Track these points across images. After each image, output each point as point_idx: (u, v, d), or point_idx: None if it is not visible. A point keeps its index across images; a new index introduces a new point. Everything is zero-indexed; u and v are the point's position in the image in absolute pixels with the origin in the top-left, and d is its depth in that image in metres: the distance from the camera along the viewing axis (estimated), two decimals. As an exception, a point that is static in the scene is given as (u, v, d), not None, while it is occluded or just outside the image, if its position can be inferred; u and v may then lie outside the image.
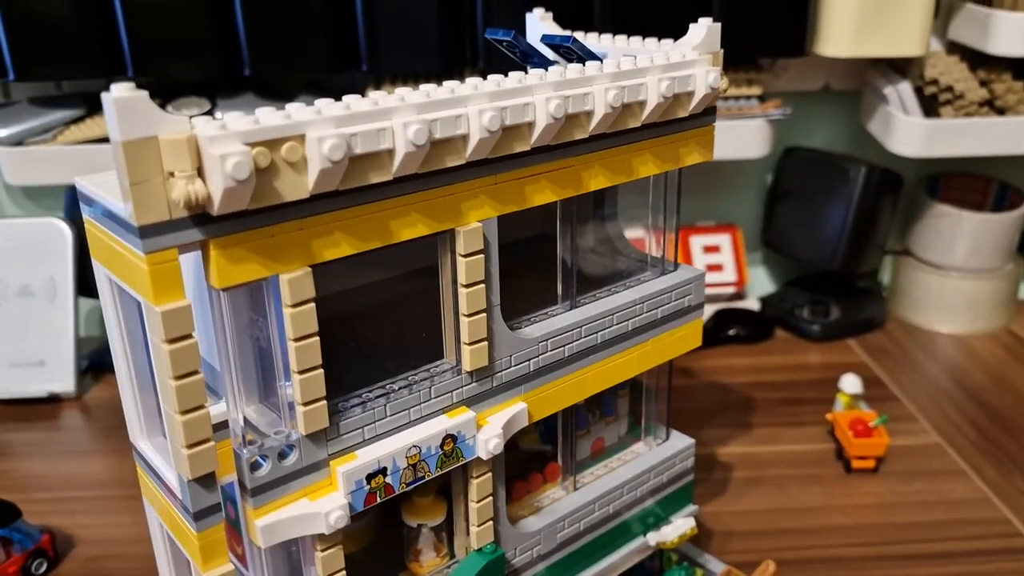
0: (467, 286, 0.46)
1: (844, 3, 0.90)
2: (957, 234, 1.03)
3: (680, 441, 0.64)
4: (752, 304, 1.08)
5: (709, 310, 1.05)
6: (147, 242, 0.36)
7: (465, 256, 0.46)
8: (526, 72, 0.46)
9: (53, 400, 0.94)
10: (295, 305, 0.40)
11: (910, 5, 0.88)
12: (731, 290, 1.08)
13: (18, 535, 0.68)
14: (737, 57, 0.94)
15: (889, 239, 1.09)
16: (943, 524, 0.72)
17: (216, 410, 0.42)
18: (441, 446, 0.47)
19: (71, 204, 0.98)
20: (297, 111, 0.38)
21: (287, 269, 0.40)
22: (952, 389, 0.93)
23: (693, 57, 0.53)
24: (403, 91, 0.42)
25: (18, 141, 0.92)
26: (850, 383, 0.83)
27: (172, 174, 0.35)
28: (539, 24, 0.63)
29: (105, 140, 0.91)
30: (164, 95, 0.94)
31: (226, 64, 0.89)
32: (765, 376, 0.96)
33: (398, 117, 0.40)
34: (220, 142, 0.35)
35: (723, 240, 1.09)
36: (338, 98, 0.40)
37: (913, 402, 0.90)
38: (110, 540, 0.72)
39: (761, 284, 1.16)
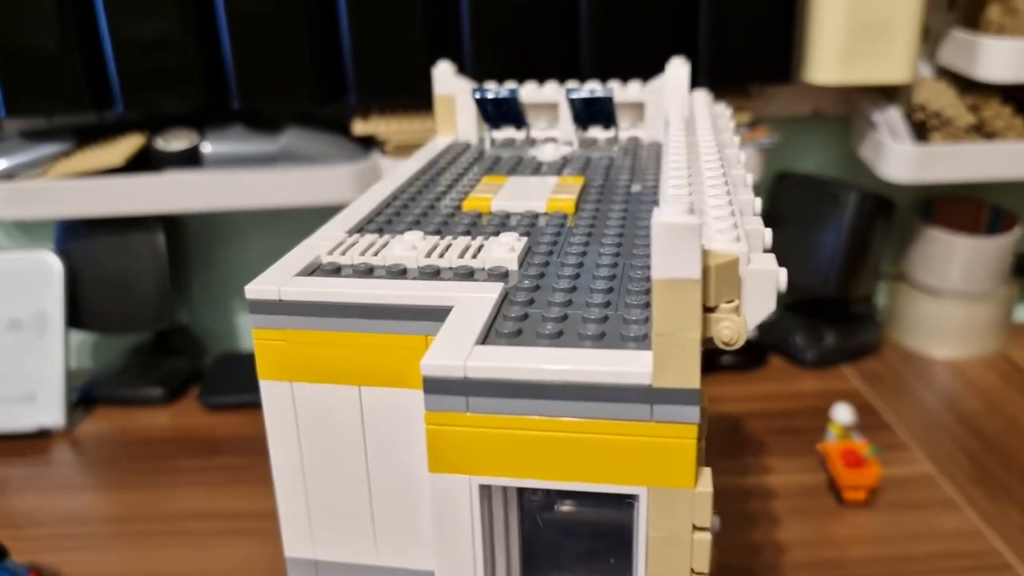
0: None
1: (830, 30, 0.90)
2: (951, 258, 1.03)
3: None
4: (745, 330, 1.08)
5: (702, 337, 1.05)
6: (683, 409, 0.28)
7: None
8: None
9: (43, 435, 0.94)
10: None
11: (896, 32, 0.88)
12: (724, 316, 1.07)
13: (5, 573, 0.67)
14: (725, 84, 0.94)
15: (884, 264, 1.09)
16: (934, 556, 0.71)
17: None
18: None
19: (61, 237, 0.99)
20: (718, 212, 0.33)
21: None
22: (945, 416, 0.92)
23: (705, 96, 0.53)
24: (712, 177, 0.38)
25: (9, 175, 0.92)
26: (842, 413, 0.83)
27: (714, 308, 0.28)
28: (450, 76, 0.65)
29: (95, 174, 0.92)
30: (152, 127, 0.95)
31: (213, 96, 0.90)
32: (759, 404, 0.95)
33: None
34: (757, 256, 0.29)
35: (715, 266, 1.08)
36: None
37: (906, 430, 0.89)
38: (96, 578, 0.72)
39: (755, 309, 1.16)
